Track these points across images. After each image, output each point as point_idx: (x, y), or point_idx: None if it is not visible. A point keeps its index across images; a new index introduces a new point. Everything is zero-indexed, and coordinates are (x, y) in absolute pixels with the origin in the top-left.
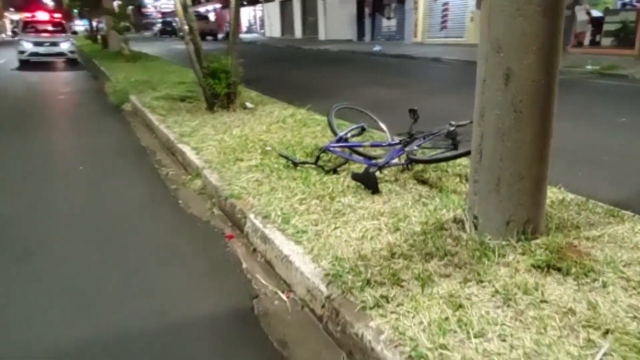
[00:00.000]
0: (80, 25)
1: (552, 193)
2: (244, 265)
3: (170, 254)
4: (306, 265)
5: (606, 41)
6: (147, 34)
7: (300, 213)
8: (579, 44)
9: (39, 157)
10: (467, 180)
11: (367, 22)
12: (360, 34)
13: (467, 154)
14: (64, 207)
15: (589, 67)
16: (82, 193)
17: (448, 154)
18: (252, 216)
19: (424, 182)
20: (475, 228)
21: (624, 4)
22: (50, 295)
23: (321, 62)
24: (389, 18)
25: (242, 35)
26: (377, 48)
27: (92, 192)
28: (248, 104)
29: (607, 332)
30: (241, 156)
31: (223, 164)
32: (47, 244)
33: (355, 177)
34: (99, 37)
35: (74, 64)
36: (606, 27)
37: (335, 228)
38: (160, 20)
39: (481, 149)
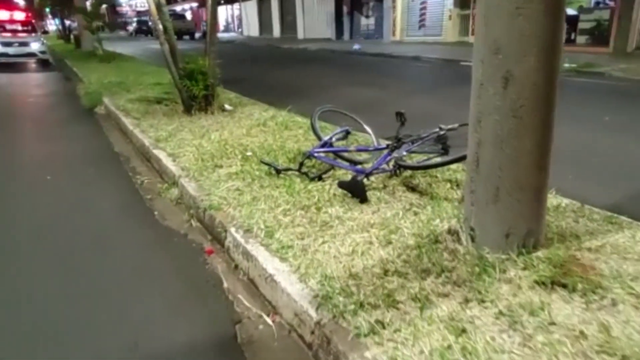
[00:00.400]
0: (53, 24)
1: (547, 198)
2: (225, 285)
3: (144, 275)
4: (293, 286)
5: (581, 39)
6: (123, 33)
7: (284, 226)
8: None
9: (2, 166)
10: (458, 186)
11: (346, 20)
12: (339, 32)
13: (460, 159)
14: (26, 222)
15: (566, 65)
16: (48, 206)
17: (439, 159)
18: (233, 230)
19: (413, 189)
20: (473, 240)
21: (597, 3)
22: (2, 328)
23: (301, 61)
24: (367, 17)
25: (219, 35)
26: (356, 47)
27: (59, 204)
28: (227, 106)
29: (623, 359)
30: (220, 162)
31: (201, 171)
32: (4, 266)
33: (342, 185)
34: (72, 37)
35: (45, 65)
36: (581, 25)
37: (323, 242)
38: (135, 19)
39: (478, 157)
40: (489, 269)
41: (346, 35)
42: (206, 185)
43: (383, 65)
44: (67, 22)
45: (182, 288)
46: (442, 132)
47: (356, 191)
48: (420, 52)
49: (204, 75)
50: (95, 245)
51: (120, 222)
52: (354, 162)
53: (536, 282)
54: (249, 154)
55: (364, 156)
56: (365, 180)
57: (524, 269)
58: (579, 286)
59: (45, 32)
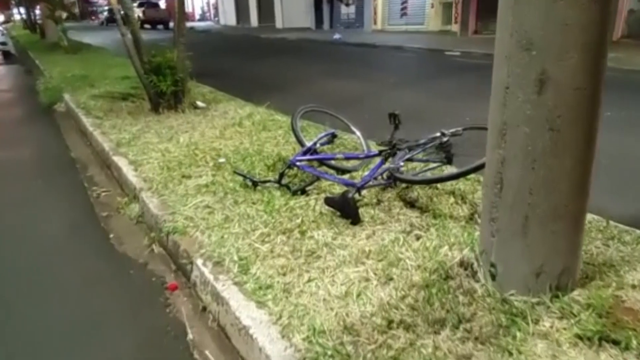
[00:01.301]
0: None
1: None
2: (190, 336)
3: (88, 325)
4: (273, 344)
5: None
6: (93, 22)
7: (262, 256)
8: None
9: None
10: (463, 199)
11: (326, 9)
12: (319, 21)
13: (472, 171)
14: None
15: None
16: None
17: (446, 172)
18: (200, 262)
19: (412, 204)
20: (493, 278)
21: None
22: None
23: (279, 52)
24: (347, 5)
25: (194, 24)
26: (337, 36)
27: None
28: (199, 103)
29: None
30: (189, 172)
31: (166, 183)
32: None
33: (330, 202)
34: (37, 27)
35: (7, 57)
36: None
37: (310, 280)
38: (106, 7)
39: (502, 179)
40: (518, 320)
41: (326, 25)
42: (171, 201)
43: (365, 56)
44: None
45: (134, 342)
46: (445, 139)
47: (347, 210)
48: (403, 41)
49: (173, 69)
50: (27, 286)
51: (66, 250)
52: (341, 170)
53: (579, 336)
54: (221, 160)
55: (352, 162)
56: (356, 195)
57: (561, 317)
58: (634, 342)
59: (7, 22)
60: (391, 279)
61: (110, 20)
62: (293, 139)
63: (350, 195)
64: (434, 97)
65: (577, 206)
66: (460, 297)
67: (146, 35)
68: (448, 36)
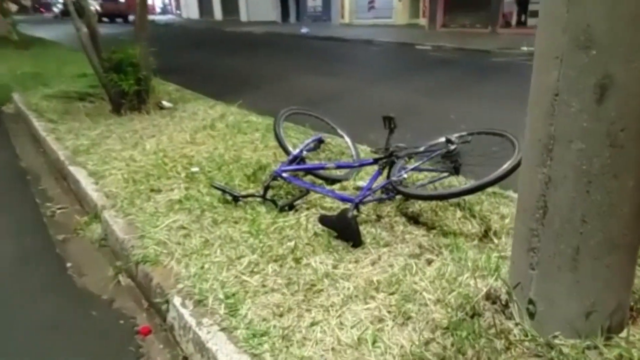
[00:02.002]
0: None
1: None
2: None
3: None
4: None
5: (532, 21)
6: (48, 15)
7: (253, 292)
8: (507, 24)
9: None
10: (471, 212)
11: (292, 2)
12: (285, 15)
13: (490, 184)
14: None
15: (524, 48)
16: None
17: (464, 186)
18: (177, 301)
19: (415, 219)
20: (531, 317)
21: None
22: None
23: (246, 46)
24: None
25: (156, 17)
26: (304, 30)
27: None
28: (165, 103)
29: None
30: (158, 185)
31: (132, 199)
32: None
33: (326, 222)
34: None
35: None
36: (531, 7)
37: (314, 323)
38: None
39: (546, 203)
40: None
41: (292, 18)
42: (139, 222)
43: (336, 50)
44: None
45: None
46: (452, 147)
47: (347, 232)
48: (373, 35)
49: (135, 66)
50: None
51: (12, 287)
52: (330, 180)
53: None
54: (194, 169)
55: (343, 170)
56: (354, 211)
57: None
58: None
59: None
60: (409, 317)
61: (65, 13)
62: (272, 142)
63: (350, 215)
64: (415, 94)
65: (637, 234)
66: (496, 342)
67: (104, 30)
68: (416, 30)
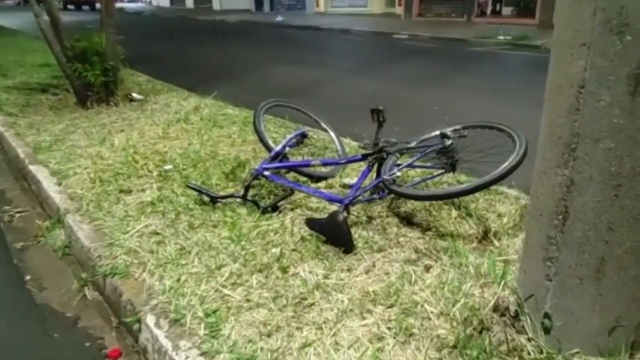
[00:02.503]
0: None
1: None
2: None
3: None
4: None
5: (507, 10)
6: (9, 2)
7: (236, 308)
8: (482, 13)
9: None
10: (467, 212)
11: None
12: (258, 3)
13: (493, 182)
14: None
15: (501, 37)
16: None
17: (464, 186)
18: (151, 320)
19: (408, 220)
20: (547, 332)
21: None
22: None
23: (220, 35)
24: None
25: (125, 5)
26: (279, 19)
27: None
28: (135, 95)
29: None
30: (128, 185)
31: (100, 201)
32: None
33: (315, 226)
34: None
35: None
36: None
37: (306, 344)
38: None
39: (567, 208)
40: None
41: (266, 6)
42: (107, 227)
43: (312, 39)
44: None
45: None
46: (448, 142)
47: (338, 237)
48: (349, 24)
49: (101, 56)
50: None
51: None
52: (314, 177)
53: None
54: (168, 167)
55: (328, 167)
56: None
57: None
58: None
59: None
60: (411, 334)
61: None
62: (251, 137)
63: (341, 218)
64: (394, 84)
65: None
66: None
67: (71, 17)
68: (392, 19)
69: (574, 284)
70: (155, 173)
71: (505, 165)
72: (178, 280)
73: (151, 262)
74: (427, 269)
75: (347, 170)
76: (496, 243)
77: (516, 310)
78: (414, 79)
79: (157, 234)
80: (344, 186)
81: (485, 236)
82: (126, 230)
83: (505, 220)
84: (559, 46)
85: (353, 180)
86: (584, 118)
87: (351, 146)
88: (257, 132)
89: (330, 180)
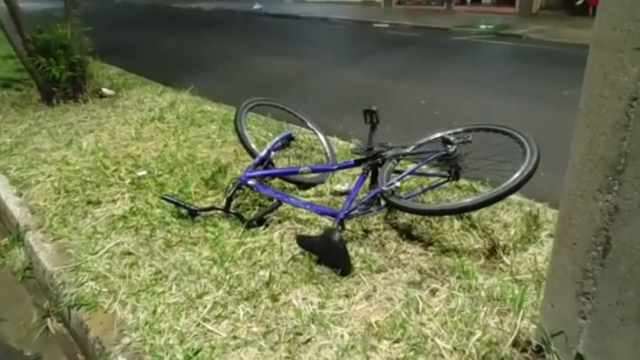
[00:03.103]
0: None
1: None
2: None
3: None
4: None
5: None
6: None
7: (222, 347)
8: (462, 2)
9: None
10: (471, 224)
11: None
12: None
13: (507, 194)
14: None
15: (483, 26)
16: None
17: (472, 199)
18: None
19: (407, 233)
20: None
21: None
22: None
23: (195, 24)
24: None
25: None
26: (257, 7)
27: None
28: (106, 90)
29: None
30: (97, 195)
31: (64, 215)
32: None
33: (306, 245)
34: None
35: None
36: None
37: None
38: None
39: (608, 239)
40: None
41: None
42: (72, 247)
43: (291, 28)
44: None
45: None
46: (451, 149)
47: (333, 257)
48: (328, 12)
49: (67, 48)
50: None
51: None
52: (302, 184)
53: None
54: (141, 173)
55: (316, 174)
56: (340, 227)
57: None
58: None
59: None
60: None
61: None
62: (231, 136)
63: (337, 237)
64: (379, 76)
65: None
66: None
67: (34, 4)
68: (372, 7)
69: (614, 324)
70: (127, 180)
71: (517, 176)
72: (154, 312)
73: (123, 289)
74: (433, 292)
75: (338, 175)
76: (505, 259)
77: (539, 346)
78: (398, 70)
79: (130, 254)
80: (335, 193)
81: (493, 251)
82: (94, 250)
83: (512, 232)
84: (603, 49)
85: (344, 186)
86: (635, 136)
87: (339, 146)
88: (240, 136)
89: (320, 187)
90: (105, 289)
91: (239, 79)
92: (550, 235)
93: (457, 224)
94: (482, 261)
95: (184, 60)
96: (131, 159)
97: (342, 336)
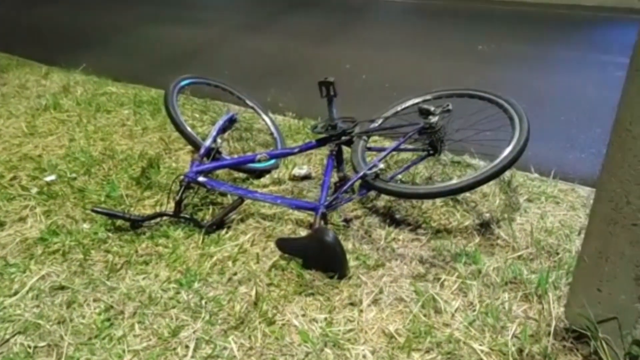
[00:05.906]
0: None
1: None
2: None
3: None
4: None
5: None
6: None
7: None
8: None
9: None
10: (453, 198)
11: None
12: None
13: (500, 172)
14: None
15: None
16: None
17: (465, 179)
18: None
19: (390, 217)
20: None
21: None
22: None
23: None
24: None
25: None
26: None
27: None
28: None
29: None
30: None
31: None
32: None
33: (290, 248)
34: None
35: None
36: None
37: None
38: None
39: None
40: None
41: None
42: None
43: None
44: None
45: None
46: (432, 120)
47: (327, 260)
48: None
49: None
50: None
51: None
52: (257, 172)
53: None
54: (50, 178)
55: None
56: (322, 221)
57: None
58: None
59: None
60: None
61: None
62: (150, 121)
63: (330, 236)
64: (294, 41)
65: None
66: None
67: None
68: None
69: None
70: (33, 190)
71: (512, 147)
72: None
73: (67, 340)
74: (442, 283)
75: (290, 156)
76: (502, 234)
77: (580, 333)
78: (313, 33)
79: (63, 288)
80: (295, 179)
81: (484, 226)
82: (12, 291)
83: (494, 202)
84: None
85: (303, 169)
86: None
87: (279, 121)
88: (175, 124)
89: (275, 174)
90: (42, 343)
91: (141, 52)
92: (529, 200)
93: (439, 201)
94: (478, 239)
95: (66, 33)
96: (31, 162)
97: (364, 357)
